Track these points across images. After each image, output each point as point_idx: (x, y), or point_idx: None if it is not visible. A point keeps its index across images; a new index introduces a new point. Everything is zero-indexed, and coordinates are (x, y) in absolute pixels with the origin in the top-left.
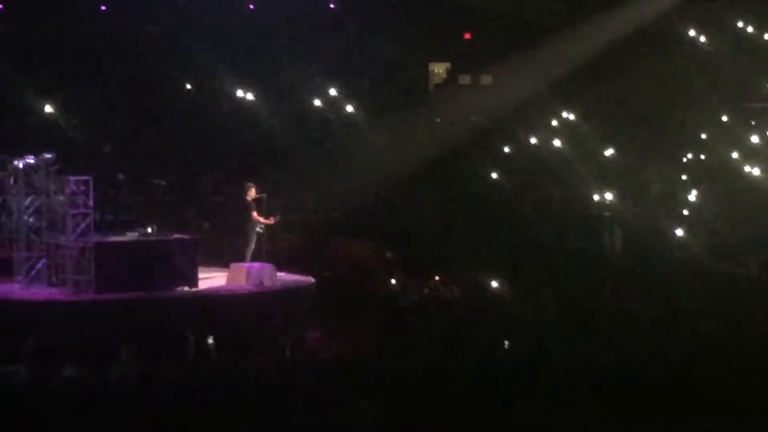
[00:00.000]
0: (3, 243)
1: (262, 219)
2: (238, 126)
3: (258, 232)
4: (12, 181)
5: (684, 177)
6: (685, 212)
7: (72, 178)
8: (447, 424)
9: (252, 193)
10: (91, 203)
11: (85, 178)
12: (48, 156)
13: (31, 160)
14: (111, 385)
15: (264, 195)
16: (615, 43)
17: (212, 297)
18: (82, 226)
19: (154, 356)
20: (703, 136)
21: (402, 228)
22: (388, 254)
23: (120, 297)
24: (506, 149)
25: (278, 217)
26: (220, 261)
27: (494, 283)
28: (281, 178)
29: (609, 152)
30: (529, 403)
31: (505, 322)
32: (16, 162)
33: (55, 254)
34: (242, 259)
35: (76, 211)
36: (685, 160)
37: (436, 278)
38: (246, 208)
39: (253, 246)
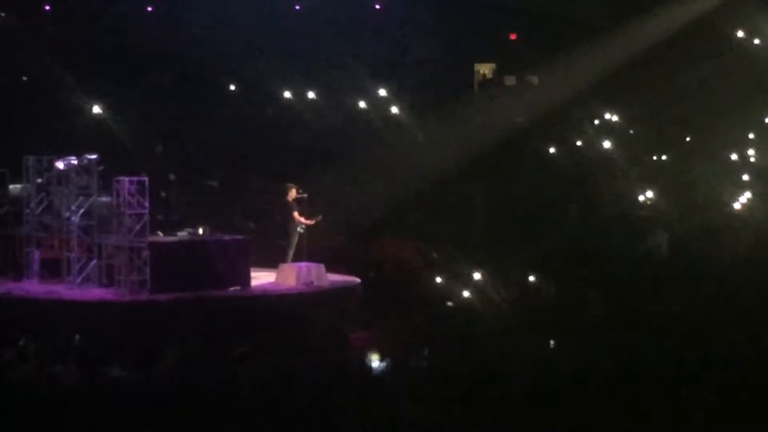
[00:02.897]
0: (50, 244)
1: (303, 219)
2: (284, 127)
3: (299, 233)
4: (57, 182)
5: (730, 178)
6: (732, 213)
7: (126, 178)
8: (493, 425)
9: (293, 194)
10: (146, 204)
11: (141, 178)
12: (91, 157)
13: (73, 160)
14: (159, 385)
15: (305, 195)
16: (661, 43)
17: (266, 297)
18: (138, 226)
19: (206, 356)
20: (751, 136)
21: (448, 228)
22: (434, 255)
23: (175, 297)
24: (552, 150)
25: (320, 217)
26: (264, 261)
27: (540, 284)
28: (327, 179)
29: (655, 153)
30: (575, 405)
31: (551, 323)
32: (57, 163)
33: (106, 255)
34: (285, 260)
35: (131, 212)
36: (731, 161)
37: (481, 278)
38: (287, 208)
39: (294, 246)
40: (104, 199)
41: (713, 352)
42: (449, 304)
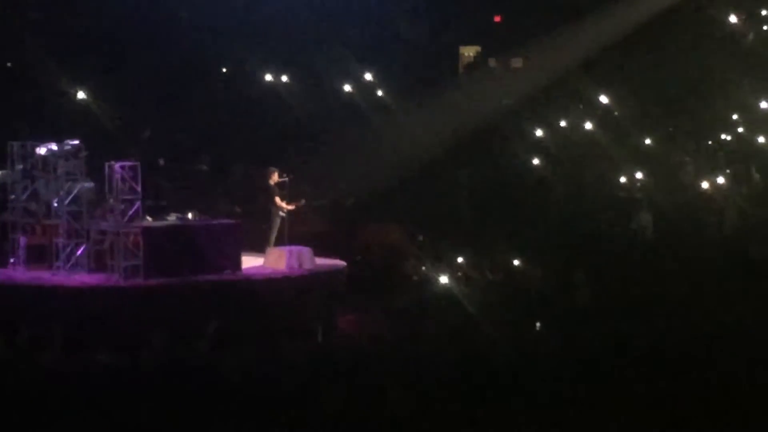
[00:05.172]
0: (35, 230)
1: (284, 204)
2: (268, 111)
3: (281, 217)
4: (42, 167)
5: (715, 159)
6: (715, 194)
7: (118, 163)
8: (479, 408)
9: (275, 178)
10: (139, 189)
11: (132, 163)
12: (73, 142)
13: (53, 146)
14: (148, 370)
15: (286, 179)
16: (646, 25)
17: (258, 281)
18: (131, 211)
19: (197, 341)
20: (734, 117)
21: (433, 211)
22: (420, 238)
23: (168, 282)
24: (537, 132)
25: (302, 202)
26: (248, 245)
27: (526, 266)
28: (311, 163)
29: (640, 134)
30: (562, 386)
31: (537, 305)
32: (39, 149)
33: (94, 240)
34: (268, 244)
35: (123, 197)
36: (716, 141)
37: (467, 261)
38: (269, 192)
39: (276, 230)
40: (88, 184)
41: (700, 333)
42: (436, 287)
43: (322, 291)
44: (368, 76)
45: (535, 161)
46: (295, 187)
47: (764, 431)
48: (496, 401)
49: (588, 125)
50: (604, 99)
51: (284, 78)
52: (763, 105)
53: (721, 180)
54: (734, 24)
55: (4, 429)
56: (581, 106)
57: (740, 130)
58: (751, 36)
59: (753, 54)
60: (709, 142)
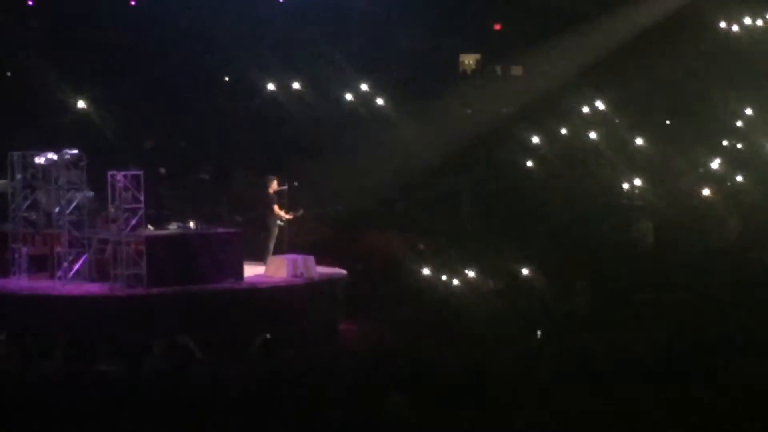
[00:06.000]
0: (37, 240)
1: (282, 213)
2: (270, 120)
3: (280, 225)
4: (42, 177)
5: (718, 166)
6: (717, 201)
7: (120, 172)
8: (480, 416)
9: (273, 186)
10: (141, 198)
11: (135, 172)
12: (72, 151)
13: (53, 156)
14: (149, 379)
15: (285, 188)
16: (647, 31)
17: (261, 290)
18: (134, 221)
19: (199, 350)
20: (738, 124)
21: (435, 220)
22: (421, 246)
23: (171, 291)
24: (537, 139)
25: (301, 211)
26: (249, 255)
27: (527, 274)
28: (313, 171)
29: (641, 141)
30: (564, 394)
31: (538, 313)
32: (37, 159)
33: (96, 249)
34: (266, 253)
35: (126, 206)
36: (718, 148)
37: (469, 270)
38: (267, 201)
39: (274, 239)
40: (88, 193)
41: (701, 340)
42: (437, 295)
43: (323, 299)
44: (369, 85)
45: (536, 169)
46: (295, 196)
47: None
48: (497, 408)
49: (588, 132)
50: (604, 106)
51: (285, 87)
52: (765, 112)
53: (724, 185)
54: (736, 31)
55: None
56: (582, 113)
57: (742, 137)
58: (754, 41)
59: (755, 61)
60: (711, 150)
